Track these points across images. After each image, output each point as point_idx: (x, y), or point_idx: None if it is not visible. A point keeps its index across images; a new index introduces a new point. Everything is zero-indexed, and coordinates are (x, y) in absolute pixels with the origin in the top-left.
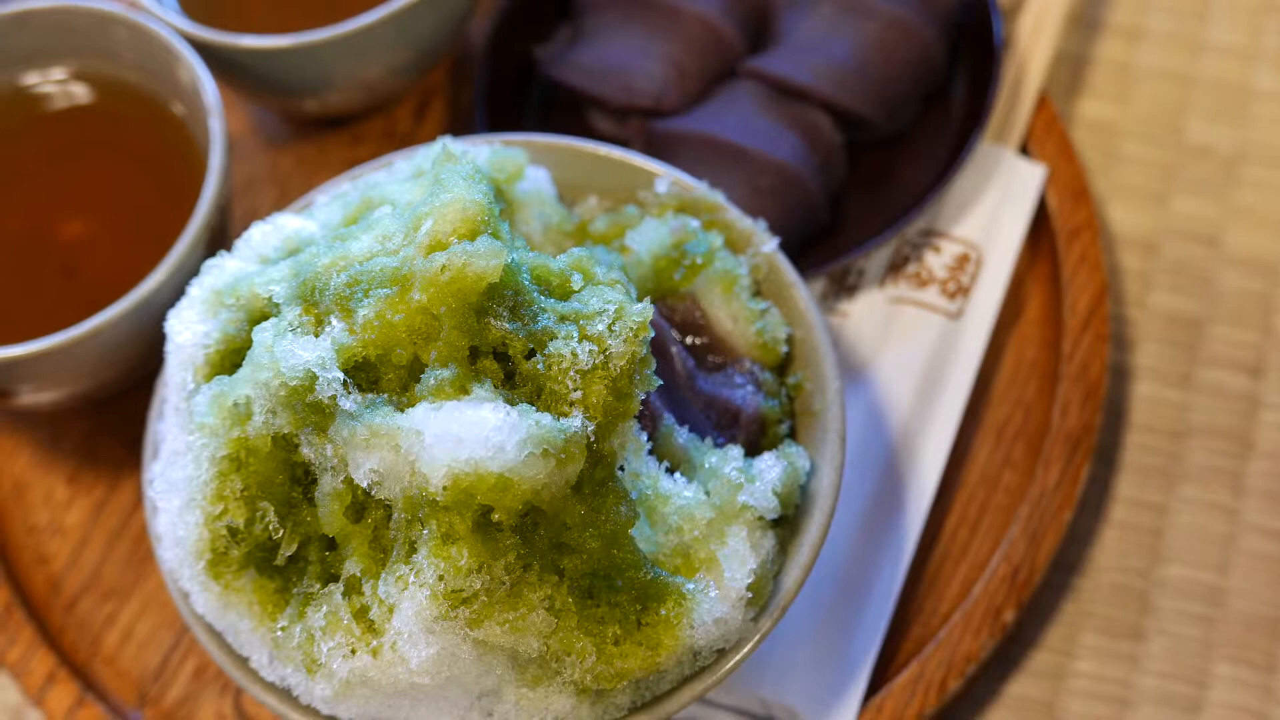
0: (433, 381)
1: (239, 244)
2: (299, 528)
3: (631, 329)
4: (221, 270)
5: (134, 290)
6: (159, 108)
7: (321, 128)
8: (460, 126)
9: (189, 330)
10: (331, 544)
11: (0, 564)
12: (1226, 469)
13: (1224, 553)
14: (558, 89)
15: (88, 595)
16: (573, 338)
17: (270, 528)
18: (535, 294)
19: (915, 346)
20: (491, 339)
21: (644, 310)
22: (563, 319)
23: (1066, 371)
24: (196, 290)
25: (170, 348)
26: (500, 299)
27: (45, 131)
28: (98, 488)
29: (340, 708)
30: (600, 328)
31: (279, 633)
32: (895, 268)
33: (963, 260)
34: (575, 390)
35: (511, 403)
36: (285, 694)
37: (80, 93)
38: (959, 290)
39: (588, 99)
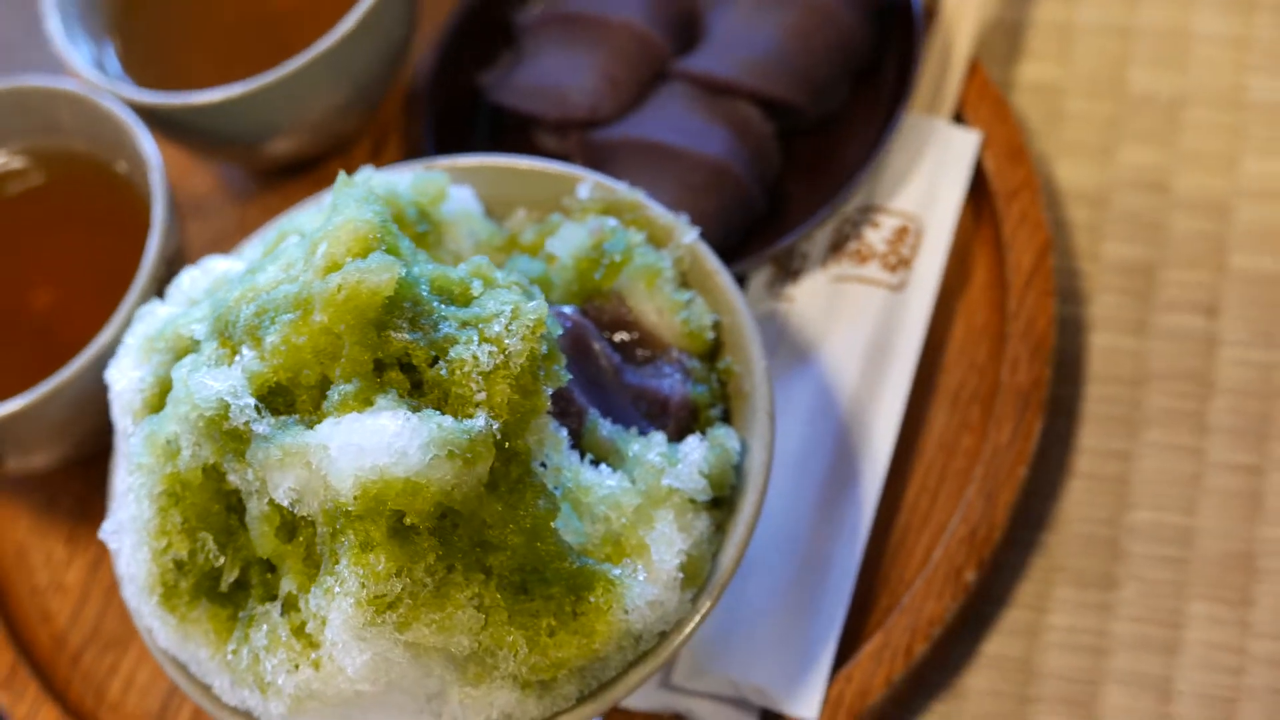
0: (337, 397)
1: (170, 290)
2: (239, 553)
3: (528, 326)
4: (153, 317)
5: (87, 347)
6: (108, 172)
7: (285, 176)
8: (416, 159)
9: (125, 377)
10: (272, 566)
11: (5, 625)
12: (1188, 410)
13: (1191, 493)
14: (505, 113)
15: (90, 648)
16: (473, 341)
17: (211, 556)
18: (435, 303)
19: (860, 322)
20: (394, 350)
21: (537, 308)
22: (464, 324)
23: (1013, 330)
24: (130, 339)
25: (111, 396)
26: (399, 311)
27: (4, 211)
28: (93, 545)
29: None
30: (498, 329)
31: (230, 656)
32: (836, 247)
33: (901, 233)
34: (480, 391)
35: (417, 410)
36: (247, 715)
37: (32, 168)
38: (900, 262)
39: (529, 118)
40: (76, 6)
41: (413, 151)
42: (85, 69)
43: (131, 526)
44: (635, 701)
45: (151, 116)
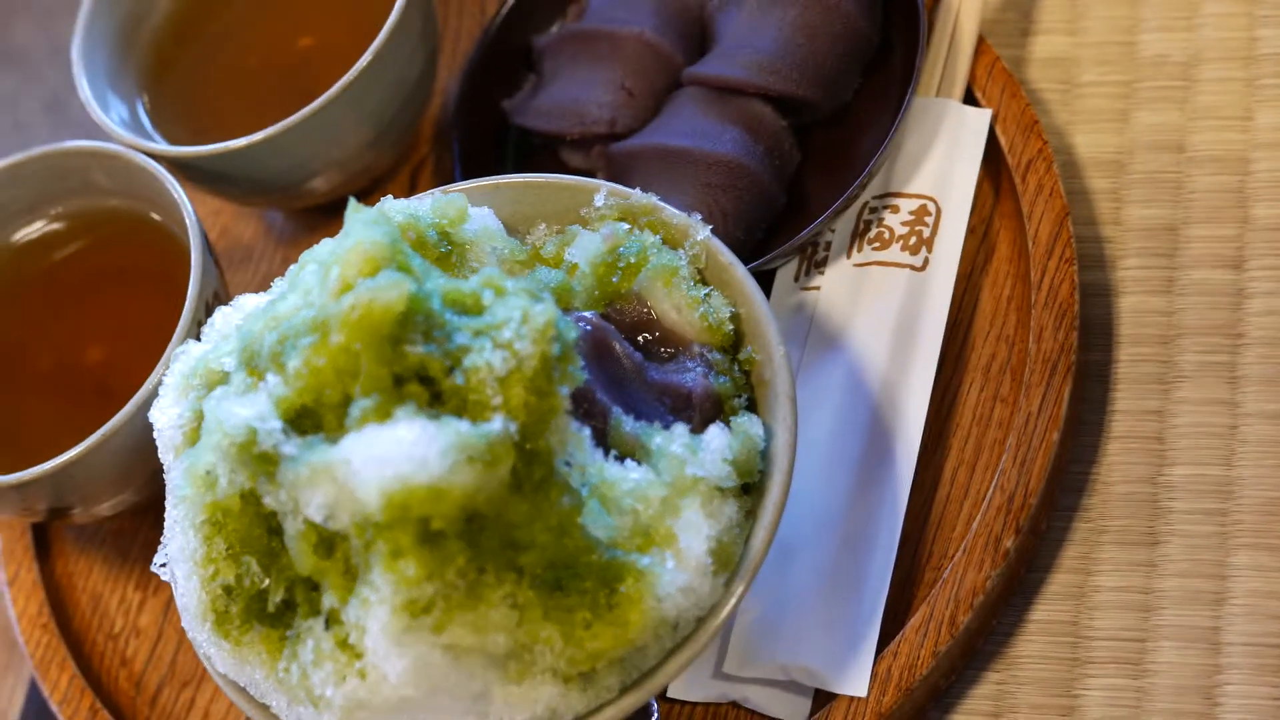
0: (357, 413)
1: (205, 329)
2: (283, 574)
3: (537, 329)
4: (188, 355)
5: (135, 395)
6: (146, 225)
7: (325, 215)
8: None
9: (165, 415)
10: (315, 584)
11: (83, 674)
12: (1220, 363)
13: (1228, 445)
14: (530, 135)
15: (168, 687)
16: (485, 348)
17: (257, 579)
18: (449, 315)
19: (885, 304)
20: (410, 364)
21: (545, 310)
22: (476, 333)
23: (1037, 299)
24: (169, 379)
25: (155, 435)
26: (413, 325)
27: (52, 275)
28: (164, 588)
29: None
30: (508, 334)
31: (281, 674)
32: (858, 234)
33: (920, 214)
34: (496, 396)
35: (435, 419)
36: None
37: (72, 229)
38: (921, 243)
39: (554, 138)
40: (105, 68)
41: (444, 182)
42: (116, 128)
43: (180, 557)
44: (691, 693)
45: (186, 169)
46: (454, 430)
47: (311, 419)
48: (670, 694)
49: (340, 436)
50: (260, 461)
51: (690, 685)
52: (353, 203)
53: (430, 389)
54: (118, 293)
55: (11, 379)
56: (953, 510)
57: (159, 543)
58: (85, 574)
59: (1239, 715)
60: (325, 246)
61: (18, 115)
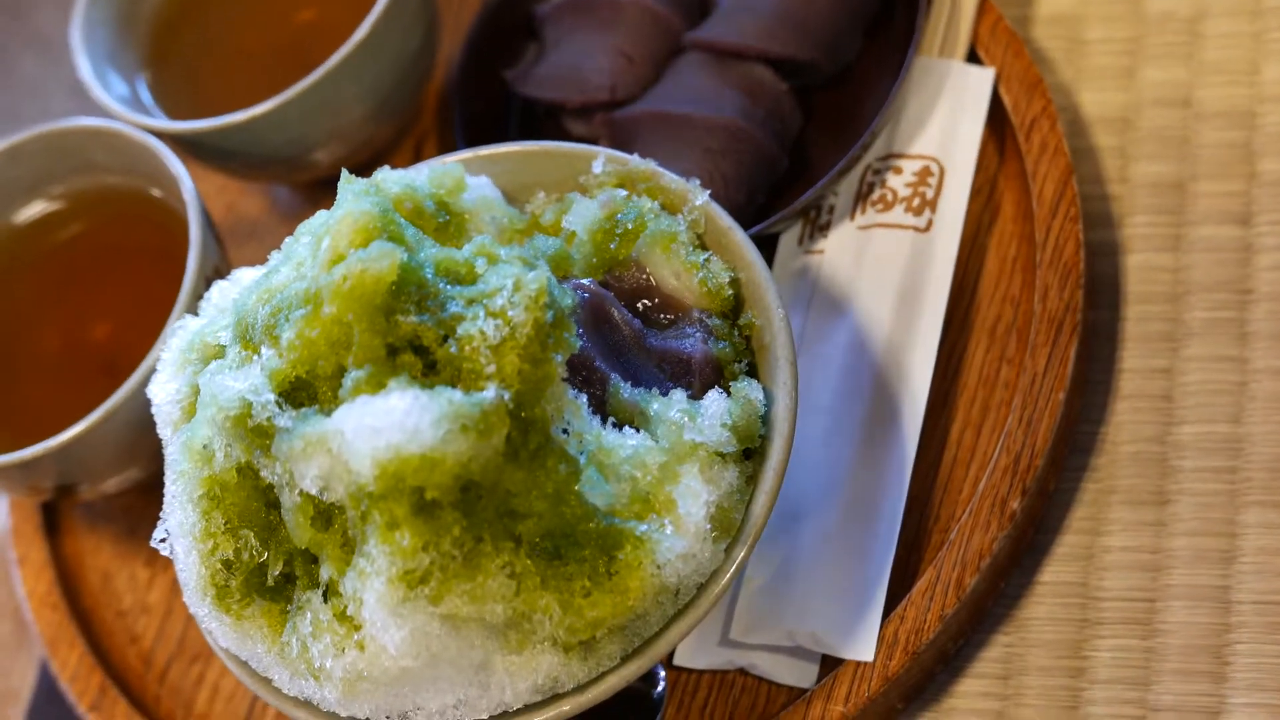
0: (350, 384)
1: (202, 304)
2: (281, 547)
3: (530, 296)
4: (186, 330)
5: (136, 371)
6: (146, 201)
7: (329, 189)
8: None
9: (163, 391)
10: (313, 556)
11: (93, 650)
12: (1228, 319)
13: (1237, 401)
14: (533, 105)
15: (177, 662)
16: (479, 317)
17: (255, 552)
18: (442, 285)
19: (889, 266)
20: (404, 334)
21: (538, 277)
22: (470, 302)
23: (1042, 259)
24: (166, 354)
25: (154, 411)
26: (406, 295)
27: (55, 255)
28: (172, 564)
29: (353, 707)
30: (501, 302)
31: (284, 648)
32: (861, 197)
33: (924, 175)
34: (489, 365)
35: (429, 388)
36: (308, 705)
37: (74, 208)
38: (924, 204)
39: (556, 106)
40: (105, 47)
41: (448, 152)
42: (115, 105)
43: (179, 532)
44: (697, 660)
45: (189, 145)
46: (446, 399)
47: (306, 391)
48: (676, 662)
49: (334, 408)
50: (255, 434)
51: (696, 653)
52: (345, 174)
53: (424, 359)
54: (120, 270)
55: (16, 358)
56: (959, 473)
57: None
58: (94, 552)
59: (1249, 674)
60: (318, 218)
61: (45, 101)
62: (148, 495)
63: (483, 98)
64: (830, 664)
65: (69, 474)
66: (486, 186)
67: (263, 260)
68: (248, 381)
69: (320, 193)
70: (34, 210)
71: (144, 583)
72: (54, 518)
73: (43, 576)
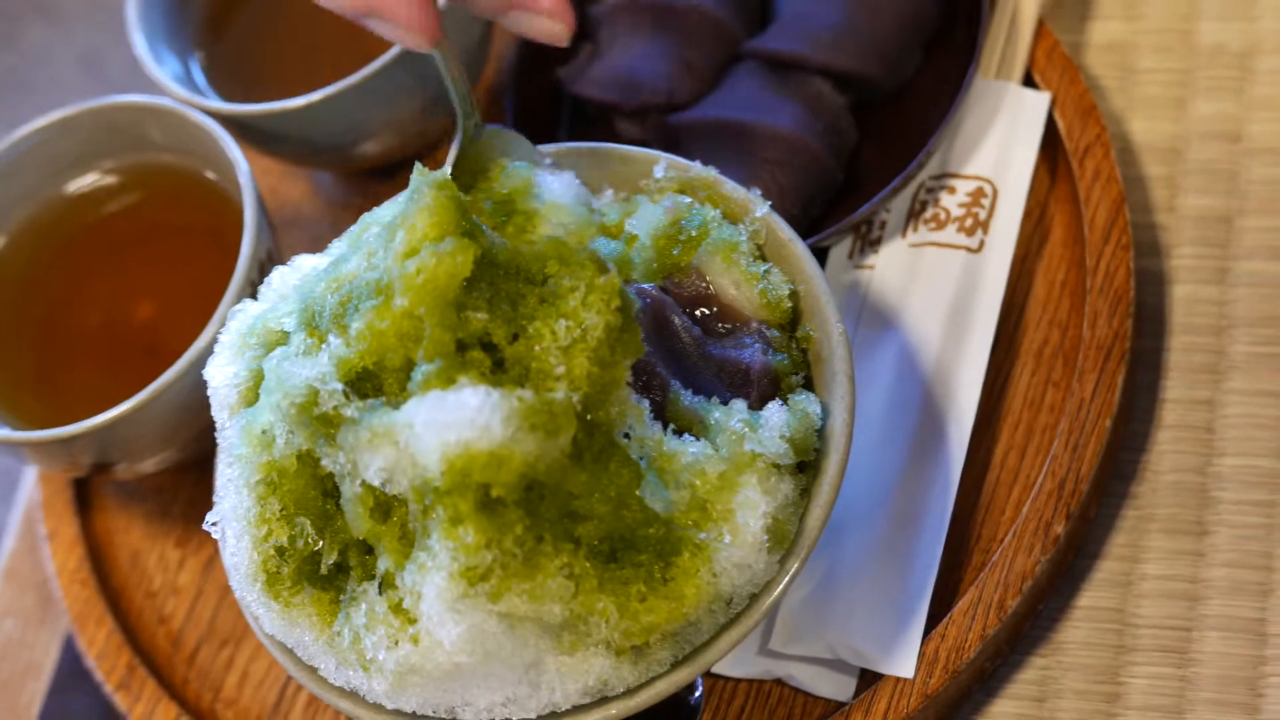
0: (420, 377)
1: (262, 288)
2: (337, 536)
3: (603, 299)
4: (245, 314)
5: (186, 352)
6: (199, 182)
7: (375, 179)
8: None
9: (221, 374)
10: (369, 547)
11: (122, 630)
12: (1273, 354)
13: (1278, 437)
14: (585, 104)
15: (206, 646)
16: (550, 317)
17: (310, 541)
18: (513, 282)
19: (940, 285)
20: (474, 330)
21: (609, 280)
22: (541, 301)
23: (1093, 285)
24: (225, 337)
25: (210, 393)
26: (478, 291)
27: (103, 229)
28: (205, 547)
29: (401, 700)
30: (573, 303)
31: (334, 638)
32: (914, 214)
33: (977, 195)
34: (559, 365)
35: (498, 385)
36: (354, 695)
37: (125, 184)
38: (977, 225)
39: (609, 107)
40: (161, 25)
41: None
42: (171, 85)
43: (233, 516)
44: (736, 669)
45: (240, 127)
46: (517, 398)
47: (372, 382)
48: (714, 670)
49: (401, 400)
50: (320, 423)
51: (735, 662)
52: (418, 166)
53: (493, 355)
54: (168, 249)
55: (56, 330)
56: (1002, 493)
57: (200, 501)
58: (125, 531)
59: None
60: (388, 209)
61: (52, 70)
62: (181, 476)
63: (535, 95)
64: (869, 678)
65: (110, 452)
66: (567, 184)
67: (305, 246)
68: (315, 369)
69: (366, 182)
70: (84, 182)
71: (174, 564)
72: (85, 494)
73: (73, 552)
